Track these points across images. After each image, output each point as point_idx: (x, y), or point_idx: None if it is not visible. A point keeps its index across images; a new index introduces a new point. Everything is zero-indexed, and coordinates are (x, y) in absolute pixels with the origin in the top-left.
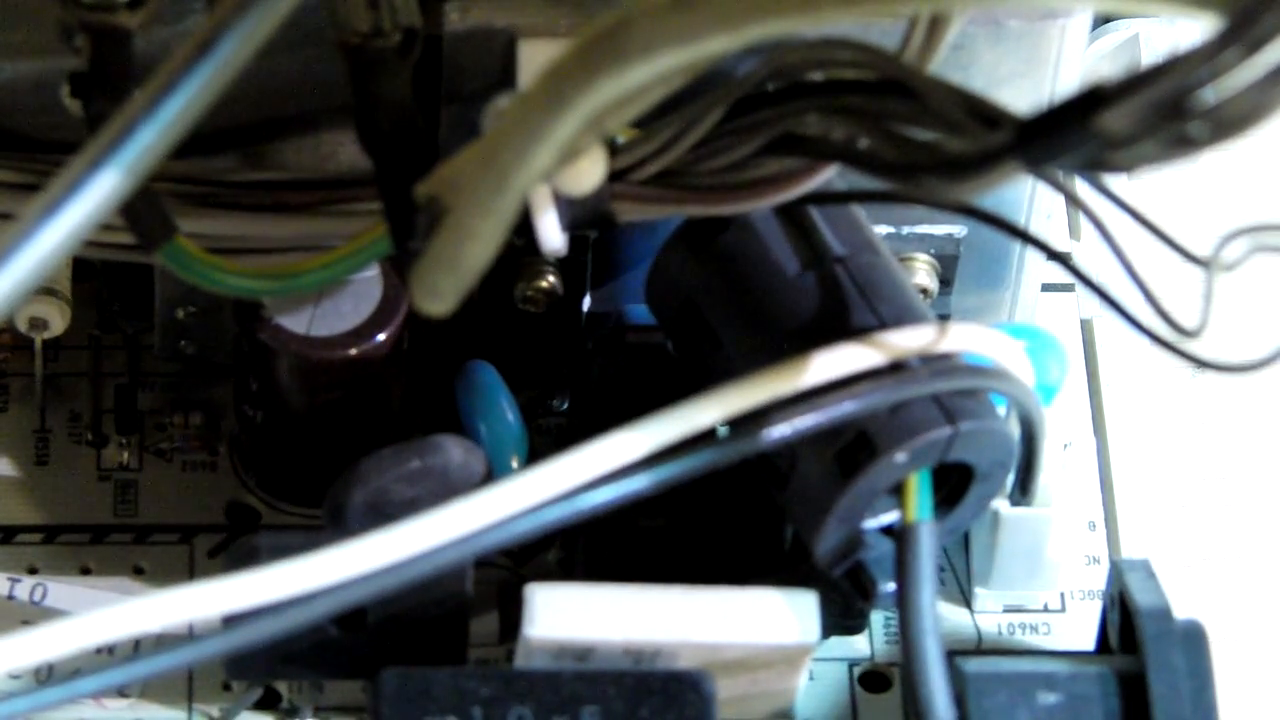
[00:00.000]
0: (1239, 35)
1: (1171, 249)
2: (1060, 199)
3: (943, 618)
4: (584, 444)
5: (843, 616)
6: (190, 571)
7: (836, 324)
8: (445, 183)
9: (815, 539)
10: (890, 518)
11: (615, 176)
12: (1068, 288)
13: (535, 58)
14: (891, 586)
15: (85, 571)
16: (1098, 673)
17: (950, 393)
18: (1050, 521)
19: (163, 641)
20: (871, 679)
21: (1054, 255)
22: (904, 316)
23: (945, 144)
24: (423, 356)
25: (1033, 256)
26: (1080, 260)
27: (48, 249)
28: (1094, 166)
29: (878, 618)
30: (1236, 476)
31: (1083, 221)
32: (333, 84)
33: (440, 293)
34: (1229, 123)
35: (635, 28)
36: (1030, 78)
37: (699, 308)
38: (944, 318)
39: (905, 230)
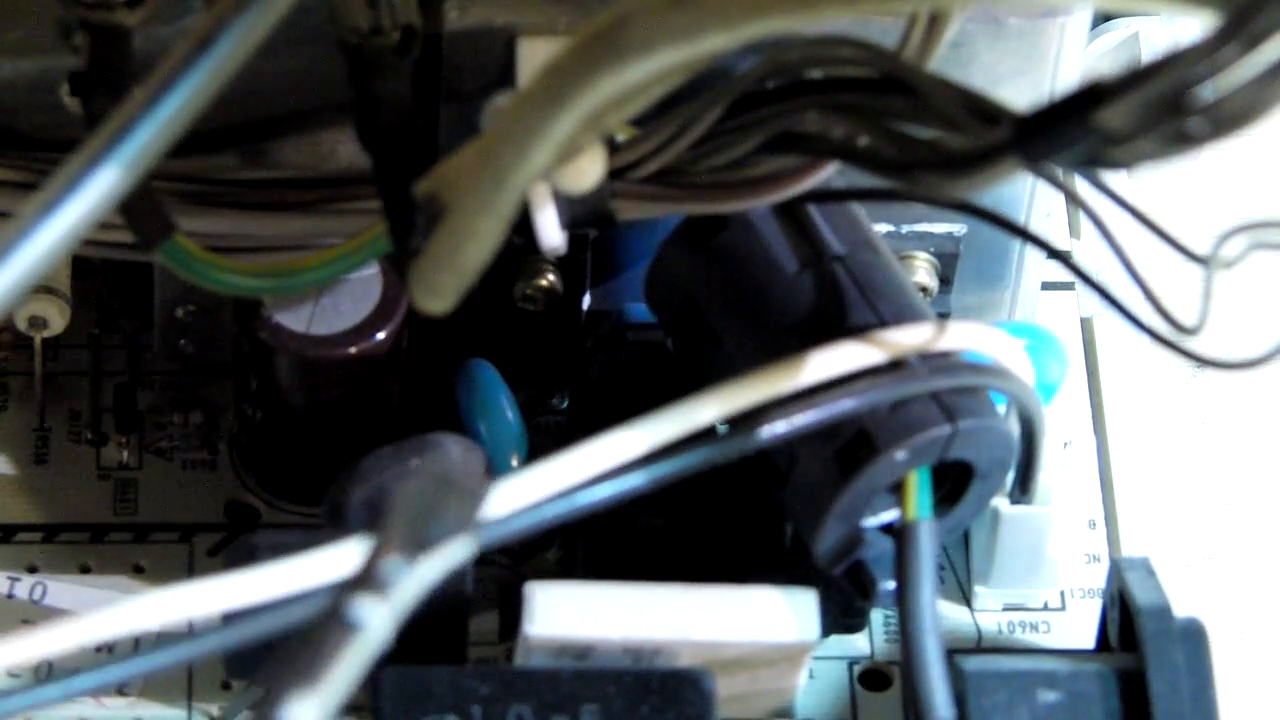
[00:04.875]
0: (1237, 31)
1: (1171, 247)
2: (1060, 197)
3: (942, 616)
4: (583, 442)
5: (843, 615)
6: (190, 570)
7: (836, 322)
8: (444, 181)
9: (815, 537)
10: (890, 516)
11: (615, 175)
12: (1068, 286)
13: (534, 56)
14: (891, 585)
15: (85, 570)
16: (1098, 671)
17: (950, 391)
18: (1050, 520)
19: (162, 639)
20: (871, 677)
21: (1054, 253)
22: (904, 314)
23: (945, 141)
24: (422, 355)
25: (1033, 254)
26: (1080, 258)
27: (46, 247)
28: (1093, 163)
29: (878, 616)
30: (1236, 475)
31: (1082, 219)
32: (332, 82)
33: (439, 291)
34: (1228, 119)
35: (634, 25)
36: (1030, 75)
37: (698, 306)
38: (944, 316)
39: (905, 228)
